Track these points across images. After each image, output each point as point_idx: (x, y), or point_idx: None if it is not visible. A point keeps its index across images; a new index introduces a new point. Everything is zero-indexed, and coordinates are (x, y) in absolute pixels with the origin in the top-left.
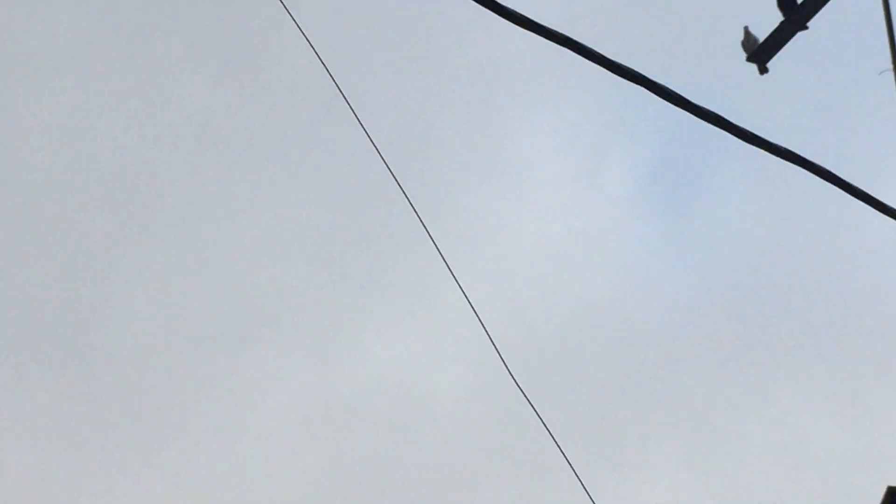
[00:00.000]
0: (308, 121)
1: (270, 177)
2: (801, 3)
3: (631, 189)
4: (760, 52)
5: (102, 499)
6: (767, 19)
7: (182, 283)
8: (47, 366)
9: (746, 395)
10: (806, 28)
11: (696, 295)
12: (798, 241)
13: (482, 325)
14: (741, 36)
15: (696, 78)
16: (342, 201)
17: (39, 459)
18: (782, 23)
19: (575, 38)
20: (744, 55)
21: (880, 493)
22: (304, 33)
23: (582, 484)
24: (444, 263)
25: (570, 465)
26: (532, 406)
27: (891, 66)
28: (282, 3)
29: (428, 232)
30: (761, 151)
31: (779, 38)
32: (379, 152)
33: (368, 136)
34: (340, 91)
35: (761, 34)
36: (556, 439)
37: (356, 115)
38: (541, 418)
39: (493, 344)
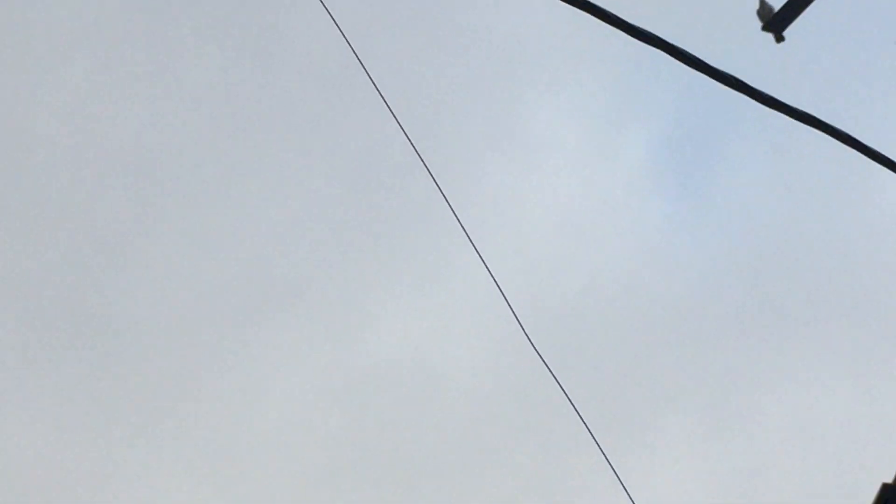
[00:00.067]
0: (326, 94)
1: (288, 151)
2: None
3: (649, 160)
4: (776, 21)
5: (121, 472)
6: None
7: (200, 257)
8: (67, 342)
9: (763, 366)
10: None
11: (713, 265)
12: (815, 210)
13: (503, 295)
14: (756, 5)
15: (711, 48)
16: (361, 175)
17: (60, 432)
18: None
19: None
20: (759, 24)
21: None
22: (324, 4)
23: (604, 454)
24: (463, 236)
25: (591, 434)
26: (553, 375)
27: None
28: None
29: (448, 202)
30: (777, 121)
31: (795, 7)
32: (399, 123)
33: (388, 107)
34: (360, 61)
35: (777, 3)
36: (578, 409)
37: (376, 86)
38: (562, 388)
39: (514, 314)
